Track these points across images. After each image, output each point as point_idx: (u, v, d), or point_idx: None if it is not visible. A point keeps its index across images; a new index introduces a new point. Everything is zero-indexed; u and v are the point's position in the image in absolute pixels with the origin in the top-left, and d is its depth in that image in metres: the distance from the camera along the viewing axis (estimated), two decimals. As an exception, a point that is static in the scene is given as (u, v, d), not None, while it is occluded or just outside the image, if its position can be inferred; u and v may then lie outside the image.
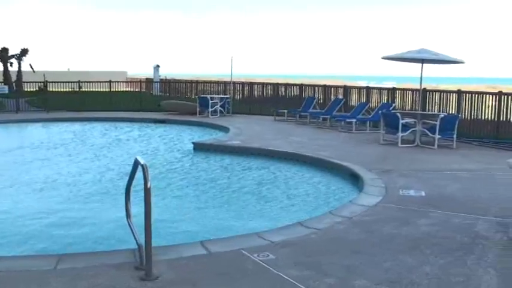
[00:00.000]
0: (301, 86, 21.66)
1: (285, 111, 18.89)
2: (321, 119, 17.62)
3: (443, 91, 16.25)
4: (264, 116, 20.21)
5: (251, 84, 24.09)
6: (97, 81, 25.60)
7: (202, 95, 22.65)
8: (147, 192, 4.39)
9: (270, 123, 18.05)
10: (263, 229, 6.15)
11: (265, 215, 7.49)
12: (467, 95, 14.94)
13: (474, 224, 6.34)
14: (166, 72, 41.31)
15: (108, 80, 25.07)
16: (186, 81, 30.43)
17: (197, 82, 28.29)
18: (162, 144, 14.41)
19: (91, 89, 25.45)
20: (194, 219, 7.29)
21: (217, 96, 22.03)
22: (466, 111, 14.74)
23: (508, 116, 13.75)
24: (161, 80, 33.94)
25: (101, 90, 25.36)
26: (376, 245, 5.55)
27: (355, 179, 9.13)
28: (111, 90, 24.89)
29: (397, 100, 17.35)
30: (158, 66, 35.06)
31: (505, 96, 13.87)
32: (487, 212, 6.89)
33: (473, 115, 14.62)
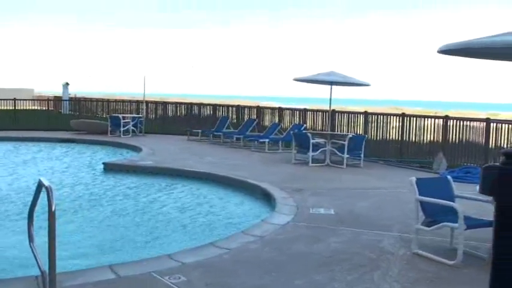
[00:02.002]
0: (215, 106, 21.75)
1: (199, 131, 18.85)
2: (234, 139, 17.74)
3: (351, 112, 16.93)
4: (177, 136, 20.04)
5: (165, 103, 23.90)
6: (0, 99, 24.29)
7: (113, 114, 22.12)
8: (51, 215, 4.18)
9: (183, 143, 17.91)
10: (175, 250, 6.06)
11: (177, 236, 7.38)
12: (373, 116, 15.68)
13: (380, 240, 6.60)
14: (76, 90, 40.05)
15: (12, 98, 23.89)
16: (97, 100, 29.66)
17: (108, 101, 27.64)
18: (71, 164, 13.87)
19: (-7, 107, 24.13)
20: (104, 243, 7.04)
21: (129, 115, 21.62)
22: (373, 132, 15.44)
23: (410, 136, 14.56)
24: (71, 98, 32.82)
25: (5, 108, 24.09)
26: (287, 264, 5.62)
27: (267, 198, 9.24)
28: (16, 108, 23.72)
29: (308, 121, 17.86)
30: (67, 84, 33.87)
31: (408, 118, 14.70)
32: (392, 228, 7.19)
33: (379, 135, 15.34)
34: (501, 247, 2.56)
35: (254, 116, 19.78)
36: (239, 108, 20.86)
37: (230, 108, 21.30)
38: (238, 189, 10.35)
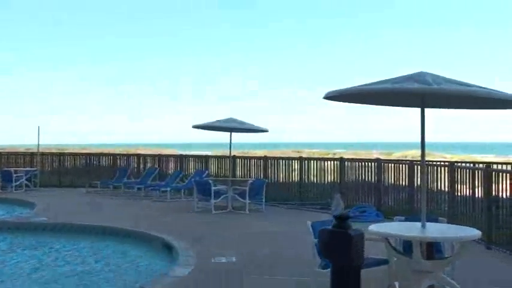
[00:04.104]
0: (114, 156, 21.20)
1: (98, 182, 18.22)
2: (135, 189, 17.30)
3: (252, 157, 17.18)
4: (76, 189, 19.20)
5: (61, 155, 22.92)
6: None
7: (4, 168, 20.82)
8: None
9: (81, 196, 17.19)
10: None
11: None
12: (273, 160, 15.99)
13: (281, 285, 6.65)
14: (-37, 144, 37.48)
15: None
16: (-14, 154, 27.84)
17: None
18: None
19: None
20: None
21: (22, 168, 20.46)
22: (273, 176, 15.71)
23: (310, 179, 14.98)
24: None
25: None
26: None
27: (168, 250, 9.01)
28: None
29: (211, 167, 17.86)
30: (-47, 137, 31.70)
31: (306, 161, 15.13)
32: (292, 272, 7.26)
33: (280, 179, 15.64)
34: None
35: (156, 165, 19.47)
36: (140, 157, 20.49)
37: (131, 157, 20.87)
38: (137, 242, 10.00)
